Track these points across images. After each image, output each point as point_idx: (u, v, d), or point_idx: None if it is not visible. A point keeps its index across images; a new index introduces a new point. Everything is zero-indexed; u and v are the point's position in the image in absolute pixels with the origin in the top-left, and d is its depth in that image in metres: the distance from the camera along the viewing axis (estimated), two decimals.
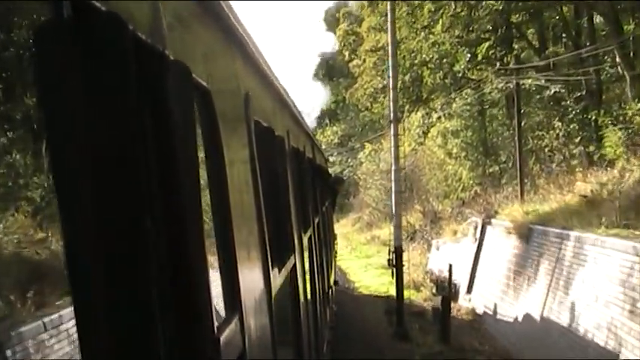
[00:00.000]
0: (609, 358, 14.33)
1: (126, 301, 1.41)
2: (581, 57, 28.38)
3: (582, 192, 20.48)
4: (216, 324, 1.98)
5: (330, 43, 51.86)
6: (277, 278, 4.15)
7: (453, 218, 32.46)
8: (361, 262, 40.89)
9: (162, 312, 1.47)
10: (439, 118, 40.58)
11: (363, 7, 50.77)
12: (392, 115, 23.39)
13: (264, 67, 4.40)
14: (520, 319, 20.45)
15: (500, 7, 31.38)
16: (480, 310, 24.34)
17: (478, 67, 35.53)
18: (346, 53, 56.90)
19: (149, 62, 1.54)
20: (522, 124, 28.90)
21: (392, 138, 23.37)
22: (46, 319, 3.44)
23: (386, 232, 34.43)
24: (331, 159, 56.08)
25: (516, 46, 33.83)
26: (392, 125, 23.42)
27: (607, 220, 16.82)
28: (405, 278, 23.57)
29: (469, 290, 26.05)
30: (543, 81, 30.63)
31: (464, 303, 25.95)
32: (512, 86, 29.24)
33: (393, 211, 23.50)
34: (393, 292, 23.52)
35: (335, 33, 55.94)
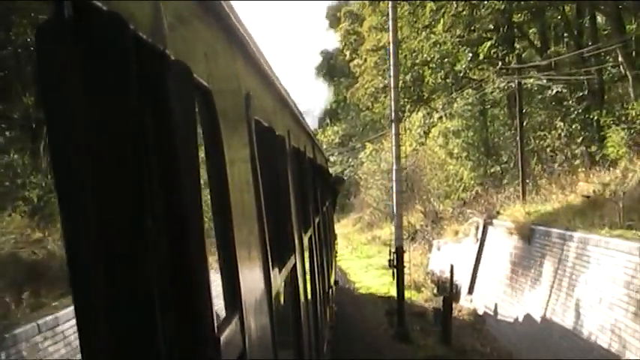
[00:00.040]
0: None
1: (126, 301, 1.42)
2: (583, 57, 28.27)
3: (585, 192, 20.36)
4: (216, 324, 1.98)
5: (331, 40, 51.75)
6: (277, 278, 4.15)
7: (454, 218, 32.36)
8: (362, 262, 40.77)
9: (162, 312, 1.46)
10: (440, 118, 40.50)
11: (364, 7, 50.62)
12: (393, 114, 23.27)
13: (264, 66, 4.41)
14: (522, 320, 20.32)
15: (502, 7, 31.27)
16: (481, 311, 24.23)
17: (479, 67, 35.43)
18: (347, 52, 56.79)
19: (150, 62, 1.54)
20: (524, 124, 28.79)
21: (393, 137, 23.24)
22: (40, 321, 3.50)
23: (387, 232, 34.31)
24: (332, 159, 56.02)
25: (518, 46, 33.70)
26: (393, 125, 23.30)
27: (610, 221, 16.68)
28: (406, 279, 23.44)
29: (470, 291, 25.94)
30: (545, 81, 30.52)
31: (465, 304, 25.83)
32: (514, 86, 29.14)
33: (394, 211, 23.36)
34: (393, 292, 23.38)
35: (336, 31, 55.78)
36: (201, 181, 2.15)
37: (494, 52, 33.20)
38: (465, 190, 36.52)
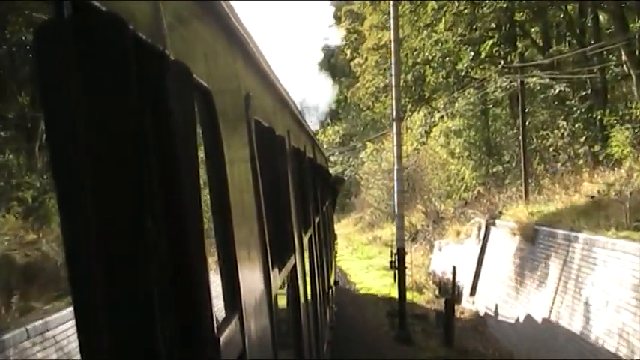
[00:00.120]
0: None
1: (126, 301, 1.42)
2: (585, 55, 28.09)
3: (589, 193, 20.12)
4: (216, 324, 1.98)
5: (334, 38, 51.47)
6: (277, 278, 4.17)
7: (456, 219, 32.16)
8: (363, 262, 40.57)
9: (162, 312, 1.46)
10: (442, 117, 40.33)
11: (365, 6, 50.43)
12: (394, 113, 23.03)
13: (264, 66, 4.43)
14: (526, 322, 20.08)
15: (504, 5, 31.10)
16: (483, 313, 24.01)
17: (481, 66, 35.33)
18: (348, 52, 56.59)
19: (149, 62, 1.55)
20: (526, 123, 28.59)
21: (394, 136, 23.02)
22: (29, 326, 3.42)
23: (388, 232, 34.12)
24: (333, 159, 55.93)
25: (520, 45, 33.53)
26: (394, 124, 23.06)
27: (616, 222, 16.44)
28: (407, 280, 23.19)
29: (473, 292, 25.73)
30: (547, 80, 30.33)
31: (467, 305, 25.64)
32: (516, 85, 28.96)
33: (396, 211, 23.12)
34: (395, 294, 23.16)
35: (339, 27, 55.48)
36: (201, 182, 2.17)
37: (496, 51, 33.09)
38: (466, 190, 36.34)
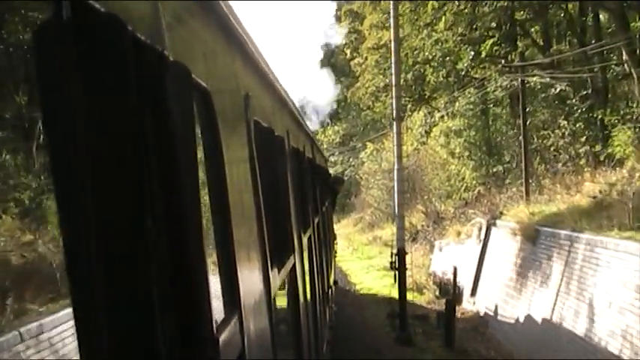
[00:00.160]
0: None
1: (126, 301, 1.42)
2: (586, 55, 27.97)
3: (591, 193, 19.98)
4: (215, 324, 1.99)
5: (335, 37, 51.29)
6: (277, 278, 4.20)
7: (456, 219, 32.05)
8: (363, 263, 40.44)
9: (162, 312, 1.47)
10: (442, 117, 40.24)
11: (364, 5, 50.32)
12: (395, 112, 22.88)
13: (263, 66, 4.45)
14: (527, 323, 19.94)
15: (505, 5, 31.00)
16: (484, 314, 23.87)
17: (481, 66, 35.26)
18: (348, 51, 56.46)
19: (148, 63, 1.55)
20: (527, 122, 28.48)
21: (395, 136, 22.87)
22: (23, 329, 3.41)
23: (388, 232, 33.98)
24: (333, 158, 55.84)
25: (520, 44, 33.44)
26: (395, 123, 22.92)
27: (619, 222, 16.29)
28: (408, 280, 23.05)
29: (473, 293, 25.60)
30: (548, 79, 30.22)
31: (468, 306, 25.52)
32: (516, 84, 28.85)
33: (396, 211, 22.97)
34: (395, 294, 23.03)
35: (340, 26, 55.31)
36: (200, 182, 2.17)
37: (496, 51, 33.01)
38: (466, 190, 36.23)
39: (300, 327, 5.62)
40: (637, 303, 13.85)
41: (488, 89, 34.50)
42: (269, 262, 3.66)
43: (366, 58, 47.67)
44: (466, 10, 33.11)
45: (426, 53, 36.56)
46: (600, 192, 19.51)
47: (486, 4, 31.75)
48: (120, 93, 1.41)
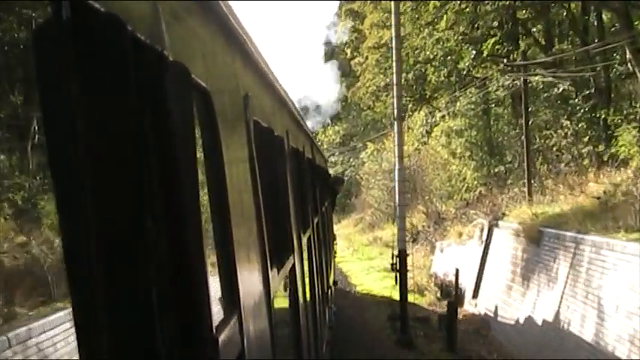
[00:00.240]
0: None
1: (126, 301, 1.42)
2: (589, 54, 27.76)
3: (595, 193, 19.72)
4: (215, 324, 1.99)
5: (336, 36, 51.09)
6: (276, 278, 4.22)
7: (458, 219, 31.83)
8: (363, 264, 40.23)
9: (162, 312, 1.47)
10: (443, 116, 40.06)
11: (365, 4, 50.13)
12: (395, 112, 22.63)
13: (263, 66, 4.45)
14: (531, 326, 19.67)
15: (507, 3, 30.82)
16: (486, 316, 23.61)
17: (483, 65, 35.11)
18: (348, 51, 56.24)
19: (148, 63, 1.55)
20: (529, 122, 28.27)
21: (396, 136, 22.61)
22: (10, 334, 3.38)
23: (388, 233, 33.78)
24: (333, 159, 55.74)
25: (522, 44, 33.25)
26: (396, 123, 22.66)
27: (625, 224, 16.00)
28: (409, 282, 22.79)
29: (475, 295, 25.35)
30: (550, 78, 30.00)
31: (469, 308, 25.29)
32: (518, 84, 28.66)
33: (397, 212, 22.71)
34: (396, 296, 22.77)
35: (342, 24, 55.15)
36: (200, 182, 2.19)
37: (498, 50, 32.81)
38: (468, 191, 36.03)
39: (300, 327, 5.67)
40: None
41: (490, 89, 34.33)
42: (268, 262, 3.68)
43: (367, 58, 47.45)
44: (468, 9, 32.93)
45: (427, 52, 36.38)
46: (605, 193, 19.27)
47: (488, 3, 31.59)
48: (119, 93, 1.42)
